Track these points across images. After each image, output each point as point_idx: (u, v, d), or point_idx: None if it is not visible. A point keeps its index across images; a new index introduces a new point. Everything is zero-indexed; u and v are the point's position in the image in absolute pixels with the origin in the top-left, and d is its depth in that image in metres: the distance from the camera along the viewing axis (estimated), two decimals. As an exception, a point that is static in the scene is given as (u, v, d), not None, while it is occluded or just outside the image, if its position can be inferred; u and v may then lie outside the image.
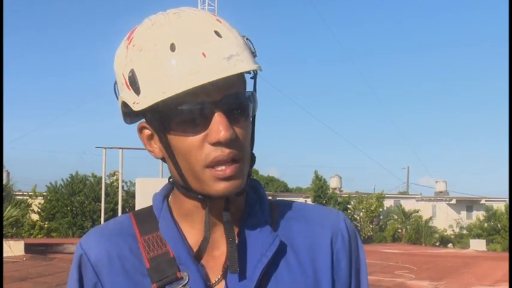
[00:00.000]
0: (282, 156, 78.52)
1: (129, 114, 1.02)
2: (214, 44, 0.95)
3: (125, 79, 1.00)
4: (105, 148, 20.41)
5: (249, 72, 1.01)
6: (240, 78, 1.00)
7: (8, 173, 31.49)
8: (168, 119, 0.97)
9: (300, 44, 73.18)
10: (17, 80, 65.01)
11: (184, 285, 1.02)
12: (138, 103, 0.98)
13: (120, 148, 19.81)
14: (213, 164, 0.97)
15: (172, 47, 0.95)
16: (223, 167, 0.97)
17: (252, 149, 1.05)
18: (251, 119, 1.03)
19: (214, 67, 0.93)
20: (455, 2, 69.46)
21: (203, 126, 0.96)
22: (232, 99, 0.97)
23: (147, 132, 1.04)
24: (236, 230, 1.07)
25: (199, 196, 1.01)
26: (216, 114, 0.95)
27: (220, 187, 0.98)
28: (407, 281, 14.73)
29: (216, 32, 0.97)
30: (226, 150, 0.96)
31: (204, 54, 0.94)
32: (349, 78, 74.40)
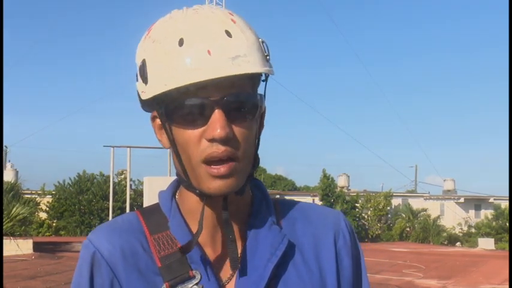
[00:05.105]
0: (290, 155, 78.53)
1: (144, 103, 1.04)
2: (221, 43, 0.96)
3: (138, 68, 1.03)
4: (113, 147, 20.43)
5: (260, 74, 1.02)
6: (247, 79, 1.00)
7: (17, 172, 31.65)
8: (172, 112, 0.99)
9: (309, 45, 73.14)
10: (24, 80, 65.27)
11: (196, 284, 1.02)
12: (145, 92, 1.01)
13: (128, 147, 19.83)
14: (208, 160, 0.97)
15: (181, 42, 0.97)
16: (218, 165, 0.97)
17: (256, 150, 1.05)
18: (257, 120, 1.03)
19: (217, 65, 0.95)
20: (470, 4, 69.21)
21: (203, 122, 0.98)
22: (235, 98, 0.98)
23: (158, 121, 1.05)
24: (242, 229, 1.08)
25: (197, 191, 1.02)
26: (215, 112, 0.96)
27: (213, 185, 0.98)
28: (416, 280, 14.69)
29: (227, 32, 0.97)
30: (222, 148, 0.97)
31: (209, 52, 0.95)
32: (356, 77, 74.31)
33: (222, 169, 0.97)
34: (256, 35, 1.03)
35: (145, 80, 1.01)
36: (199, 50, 0.96)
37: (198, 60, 0.95)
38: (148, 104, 1.04)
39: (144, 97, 1.01)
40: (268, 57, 1.03)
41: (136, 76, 1.05)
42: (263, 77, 1.04)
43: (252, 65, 0.98)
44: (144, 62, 1.01)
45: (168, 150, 1.07)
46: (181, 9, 1.03)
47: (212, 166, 0.97)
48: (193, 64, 0.95)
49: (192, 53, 0.96)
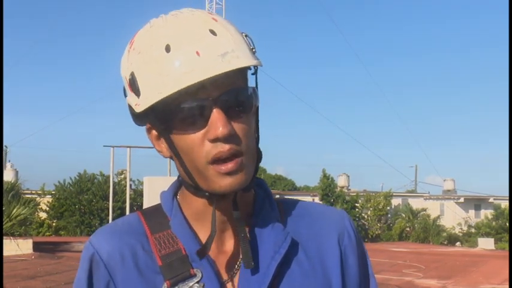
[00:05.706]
0: (290, 155, 78.53)
1: (137, 116, 1.03)
2: (208, 42, 0.96)
3: (127, 82, 1.02)
4: (113, 147, 20.42)
5: (248, 68, 1.03)
6: (239, 74, 1.00)
7: (17, 172, 31.63)
8: (169, 119, 0.99)
9: (309, 45, 73.14)
10: (24, 80, 65.26)
11: (197, 282, 1.02)
12: (139, 105, 1.00)
13: (127, 147, 19.83)
14: (215, 161, 0.98)
15: (168, 48, 0.97)
16: (226, 163, 0.98)
17: (257, 144, 1.05)
18: (254, 114, 1.04)
19: (208, 65, 0.95)
20: (470, 4, 69.24)
21: (203, 124, 0.98)
22: (231, 95, 0.98)
23: (154, 132, 1.05)
24: (247, 227, 1.08)
25: (206, 193, 1.02)
26: (214, 111, 0.97)
27: (224, 183, 0.98)
28: (416, 280, 14.69)
29: (211, 31, 0.98)
30: (226, 146, 0.97)
31: (198, 53, 0.95)
32: (357, 77, 74.33)
33: (229, 165, 0.98)
34: (238, 30, 1.03)
35: (137, 93, 1.00)
36: (188, 52, 0.96)
37: (188, 62, 0.95)
38: (140, 117, 1.03)
39: (138, 109, 1.00)
40: (254, 49, 1.03)
41: (124, 91, 1.05)
42: (252, 71, 1.04)
43: (241, 59, 0.98)
44: (133, 75, 1.00)
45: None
46: (158, 17, 1.02)
47: (220, 165, 0.98)
48: (184, 67, 0.95)
49: (181, 56, 0.96)
